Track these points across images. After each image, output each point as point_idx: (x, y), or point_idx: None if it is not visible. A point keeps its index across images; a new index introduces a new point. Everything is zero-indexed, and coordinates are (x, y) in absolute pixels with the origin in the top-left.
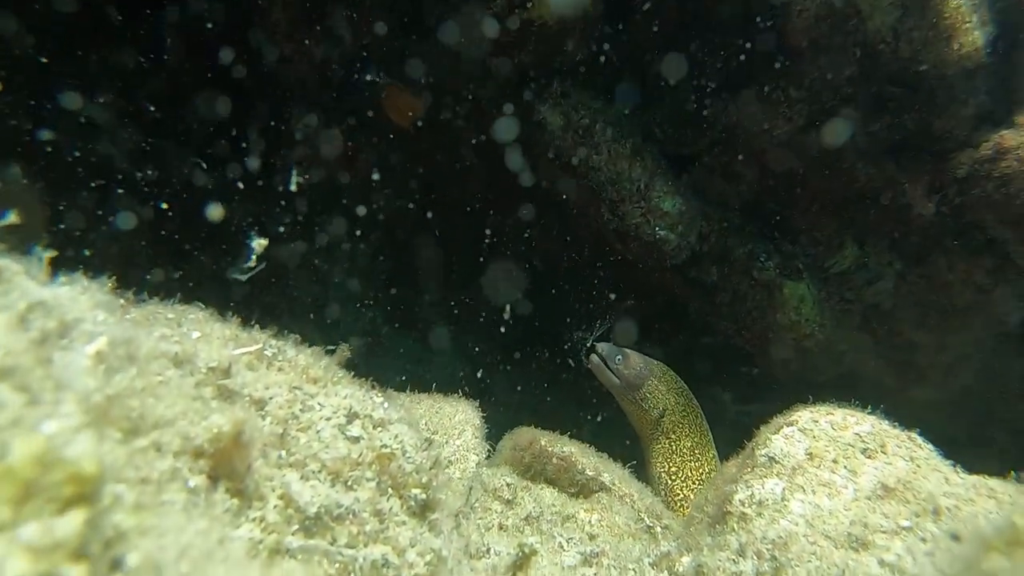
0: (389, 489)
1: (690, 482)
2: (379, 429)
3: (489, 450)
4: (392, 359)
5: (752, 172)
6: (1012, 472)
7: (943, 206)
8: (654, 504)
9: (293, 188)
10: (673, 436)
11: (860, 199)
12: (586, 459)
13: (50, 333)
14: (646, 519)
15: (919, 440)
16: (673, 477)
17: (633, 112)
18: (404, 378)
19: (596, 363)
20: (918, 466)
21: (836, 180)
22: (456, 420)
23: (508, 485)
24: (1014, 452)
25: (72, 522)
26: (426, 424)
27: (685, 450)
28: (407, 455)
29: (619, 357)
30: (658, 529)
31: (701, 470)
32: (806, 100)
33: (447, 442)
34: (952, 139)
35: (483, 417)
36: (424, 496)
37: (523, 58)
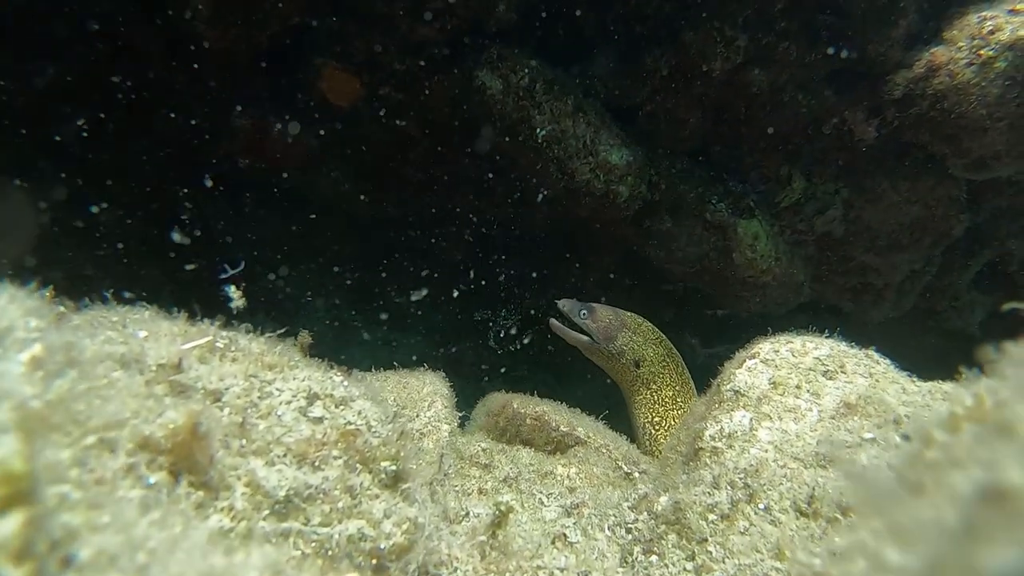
0: (358, 464)
1: (674, 430)
2: (341, 407)
3: (462, 419)
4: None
5: (696, 116)
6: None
7: (883, 129)
8: (630, 451)
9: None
10: (654, 386)
11: (803, 131)
12: (559, 416)
13: None
14: (623, 466)
15: (876, 356)
16: (657, 427)
17: (571, 68)
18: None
19: (555, 324)
20: (876, 380)
21: (778, 114)
22: (424, 392)
23: (484, 450)
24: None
25: (11, 523)
26: (394, 400)
27: (667, 399)
28: (372, 429)
29: (583, 312)
30: (636, 474)
31: (684, 417)
32: (741, 37)
33: (417, 415)
34: (886, 61)
35: (451, 387)
36: (394, 467)
37: (456, 23)
